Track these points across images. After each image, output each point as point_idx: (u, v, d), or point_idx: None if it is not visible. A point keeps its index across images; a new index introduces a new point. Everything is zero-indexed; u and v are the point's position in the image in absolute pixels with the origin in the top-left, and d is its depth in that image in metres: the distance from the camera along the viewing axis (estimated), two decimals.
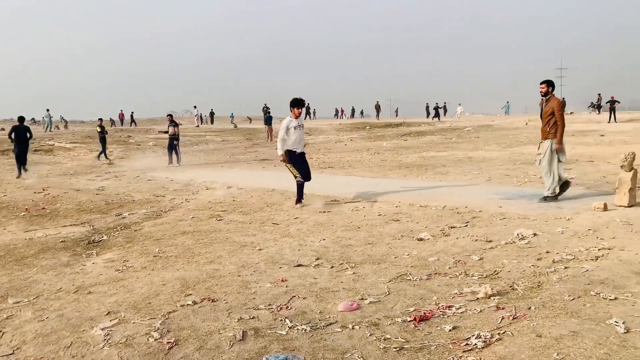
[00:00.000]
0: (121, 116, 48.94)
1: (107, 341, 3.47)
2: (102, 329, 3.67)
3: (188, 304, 4.06)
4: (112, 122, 47.32)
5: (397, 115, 57.11)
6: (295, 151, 8.15)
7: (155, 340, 3.44)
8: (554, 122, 7.53)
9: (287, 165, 8.19)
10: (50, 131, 34.23)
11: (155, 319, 3.79)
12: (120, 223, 7.56)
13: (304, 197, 8.26)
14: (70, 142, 25.15)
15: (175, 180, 12.25)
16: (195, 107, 43.70)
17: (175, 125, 17.42)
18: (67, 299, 4.43)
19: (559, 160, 7.55)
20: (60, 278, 5.05)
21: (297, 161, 8.18)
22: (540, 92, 7.78)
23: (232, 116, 51.75)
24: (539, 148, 7.83)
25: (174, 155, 16.92)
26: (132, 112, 48.17)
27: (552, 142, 7.59)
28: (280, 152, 8.13)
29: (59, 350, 3.40)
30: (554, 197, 7.50)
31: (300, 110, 8.21)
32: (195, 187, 10.93)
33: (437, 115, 41.61)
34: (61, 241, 6.57)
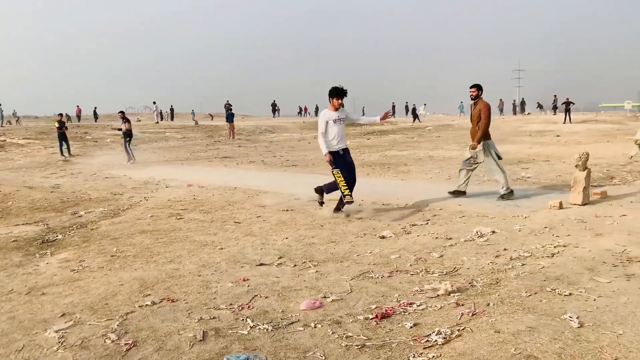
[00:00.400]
0: (78, 112, 47.55)
1: (62, 344, 3.35)
2: (57, 331, 3.54)
3: (147, 305, 3.97)
4: (68, 117, 45.93)
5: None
6: (338, 151, 7.05)
7: (112, 342, 3.34)
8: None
9: (334, 171, 7.02)
10: (1, 126, 32.95)
11: (112, 320, 3.69)
12: (76, 222, 7.34)
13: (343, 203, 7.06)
14: (23, 138, 24.27)
15: (133, 178, 11.98)
16: (154, 103, 42.74)
17: (127, 121, 17.16)
18: (19, 300, 4.26)
19: (477, 162, 7.85)
20: (11, 279, 4.85)
21: (342, 165, 7.02)
22: (471, 95, 8.03)
23: (193, 113, 50.98)
24: (469, 151, 8.01)
25: (128, 153, 16.66)
26: (95, 108, 47.02)
27: (487, 143, 7.82)
28: (324, 150, 7.07)
29: (10, 354, 3.26)
30: (510, 193, 7.69)
31: (340, 100, 7.00)
32: (154, 185, 10.71)
33: (415, 117, 40.40)
34: (13, 241, 6.33)
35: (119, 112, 18.61)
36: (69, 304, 4.08)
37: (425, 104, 49.13)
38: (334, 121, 7.01)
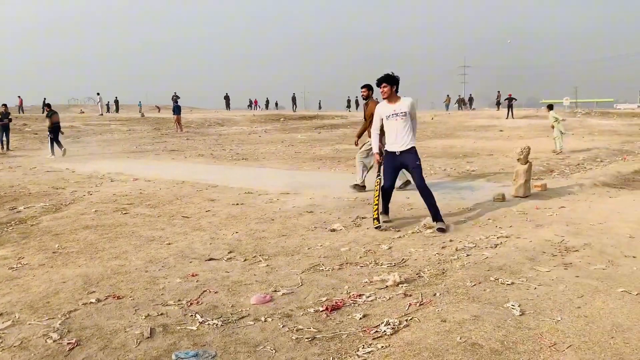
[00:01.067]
0: (20, 102, 45.35)
1: (0, 344, 3.21)
2: None
3: (91, 302, 3.84)
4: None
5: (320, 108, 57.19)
6: (395, 152, 5.78)
7: (54, 341, 3.22)
8: None
9: (376, 180, 6.09)
10: None
11: (54, 319, 3.55)
12: (14, 217, 7.01)
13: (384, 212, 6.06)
14: None
15: (77, 172, 11.56)
16: (98, 94, 41.32)
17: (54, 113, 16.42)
18: None
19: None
20: None
21: (389, 170, 5.88)
22: (362, 95, 8.32)
23: (140, 105, 49.64)
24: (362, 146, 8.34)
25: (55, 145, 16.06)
26: (45, 99, 44.98)
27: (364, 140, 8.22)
28: (374, 148, 6.08)
29: None
30: (362, 187, 8.12)
31: (385, 89, 5.72)
32: (98, 179, 10.37)
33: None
34: None
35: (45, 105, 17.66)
36: (6, 303, 3.89)
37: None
38: (388, 117, 5.77)
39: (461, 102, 42.72)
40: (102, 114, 38.08)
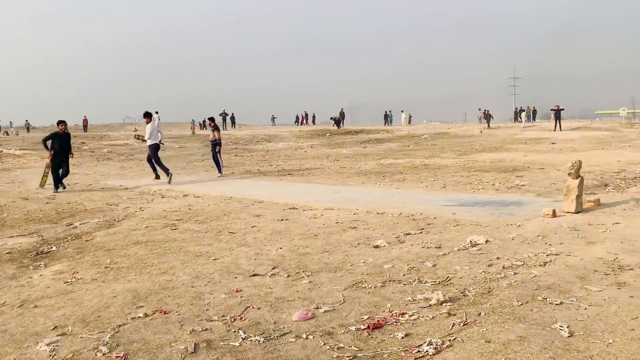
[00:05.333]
0: (85, 122, 47.67)
1: (53, 357, 3.35)
2: (48, 344, 3.54)
3: (139, 317, 3.97)
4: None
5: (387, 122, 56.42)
6: None
7: (103, 354, 3.34)
8: None
9: None
10: None
11: (104, 333, 3.69)
12: (70, 233, 7.33)
13: None
14: (19, 149, 24.27)
15: (129, 189, 11.98)
16: (157, 112, 42.72)
17: (216, 129, 14.74)
18: (11, 313, 4.25)
19: None
20: (4, 292, 4.85)
21: None
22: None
23: (192, 123, 51.00)
24: None
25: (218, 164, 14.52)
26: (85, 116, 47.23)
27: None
28: None
29: None
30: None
31: None
32: (150, 196, 10.71)
33: (386, 122, 44.16)
34: (7, 252, 6.32)
35: (209, 119, 16.19)
36: (61, 317, 4.07)
37: (402, 111, 49.96)
38: None
39: (488, 117, 41.23)
40: (160, 133, 39.23)
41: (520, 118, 42.59)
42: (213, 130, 14.63)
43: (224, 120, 44.92)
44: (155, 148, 13.59)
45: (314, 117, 60.26)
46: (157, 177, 13.61)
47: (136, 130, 42.17)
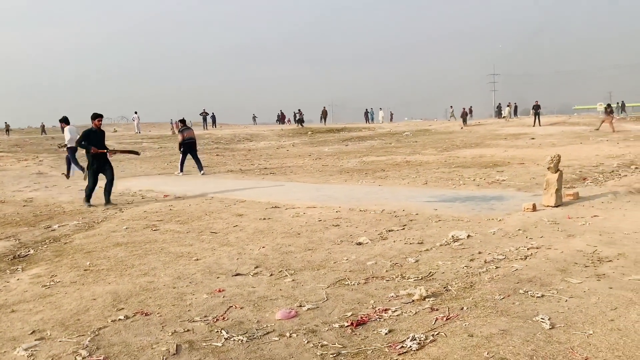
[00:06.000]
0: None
1: None
2: (26, 350, 3.45)
3: (120, 319, 3.90)
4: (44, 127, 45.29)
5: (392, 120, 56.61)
6: None
7: (83, 358, 3.27)
8: None
9: None
10: None
11: (84, 336, 3.62)
12: (49, 236, 7.20)
13: None
14: None
15: None
16: (136, 112, 42.18)
17: (187, 129, 15.32)
18: None
19: None
20: None
21: None
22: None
23: (171, 122, 50.50)
24: None
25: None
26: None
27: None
28: None
29: None
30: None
31: None
32: (130, 197, 10.58)
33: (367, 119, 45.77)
34: None
35: (179, 121, 16.41)
36: (39, 321, 3.99)
37: (380, 109, 50.82)
38: None
39: (465, 115, 41.32)
40: (138, 132, 38.86)
41: (504, 112, 43.07)
42: (182, 132, 15.11)
43: (205, 119, 44.54)
44: (73, 150, 14.27)
45: (294, 116, 60.05)
46: (68, 177, 14.42)
47: (115, 131, 41.66)
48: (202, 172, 14.70)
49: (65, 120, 14.50)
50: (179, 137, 15.16)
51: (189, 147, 14.97)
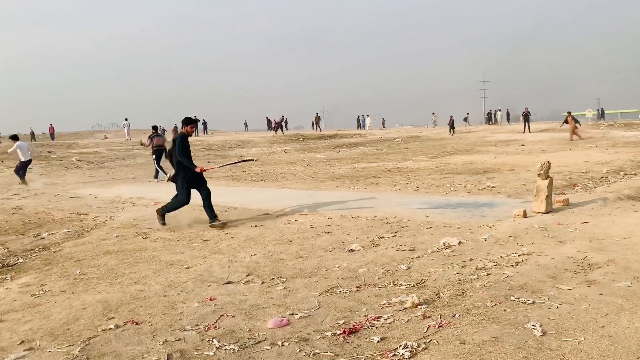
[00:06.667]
0: (51, 130, 46.41)
1: None
2: None
3: (110, 328, 3.87)
4: (33, 134, 44.93)
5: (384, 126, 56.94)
6: None
7: None
8: None
9: None
10: None
11: (73, 346, 3.58)
12: (38, 244, 7.13)
13: None
14: None
15: (99, 198, 11.74)
16: (126, 119, 41.99)
17: (158, 136, 16.11)
18: None
19: None
20: None
21: None
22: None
23: (175, 128, 50.51)
24: None
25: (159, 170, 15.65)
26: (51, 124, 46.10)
27: None
28: None
29: None
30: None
31: None
32: (120, 204, 10.52)
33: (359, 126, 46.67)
34: None
35: (152, 127, 17.32)
36: (28, 331, 3.94)
37: (368, 115, 51.18)
38: None
39: (452, 123, 41.49)
40: (129, 139, 38.71)
41: (497, 119, 43.34)
42: (152, 138, 15.72)
43: (196, 126, 44.39)
44: (24, 163, 15.89)
45: (286, 122, 60.05)
46: (24, 182, 15.42)
47: (106, 138, 41.45)
48: (156, 179, 15.33)
49: (15, 138, 16.46)
50: (147, 143, 16.01)
51: (158, 153, 15.61)
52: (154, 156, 15.74)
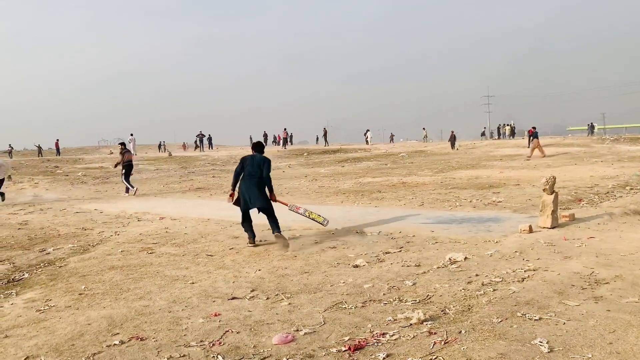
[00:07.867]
0: (57, 145, 46.75)
1: None
2: None
3: (115, 344, 3.86)
4: (40, 149, 45.25)
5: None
6: None
7: None
8: None
9: None
10: None
11: None
12: (43, 259, 7.14)
13: None
14: None
15: (105, 212, 11.77)
16: (132, 135, 42.24)
17: (127, 152, 17.09)
18: None
19: None
20: None
21: None
22: None
23: (164, 144, 50.93)
24: None
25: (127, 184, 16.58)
26: (57, 140, 46.34)
27: None
28: None
29: None
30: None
31: None
32: (126, 219, 10.54)
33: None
34: None
35: (120, 144, 18.57)
36: (33, 347, 3.94)
37: (368, 130, 51.04)
38: None
39: (453, 138, 41.43)
40: (134, 154, 38.89)
41: (505, 132, 43.51)
42: (123, 153, 16.63)
43: (201, 141, 44.72)
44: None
45: (291, 136, 60.27)
46: (2, 197, 15.27)
47: (111, 153, 41.67)
48: (125, 193, 16.08)
49: None
50: (119, 158, 16.75)
51: (128, 167, 16.47)
52: (123, 171, 16.40)
